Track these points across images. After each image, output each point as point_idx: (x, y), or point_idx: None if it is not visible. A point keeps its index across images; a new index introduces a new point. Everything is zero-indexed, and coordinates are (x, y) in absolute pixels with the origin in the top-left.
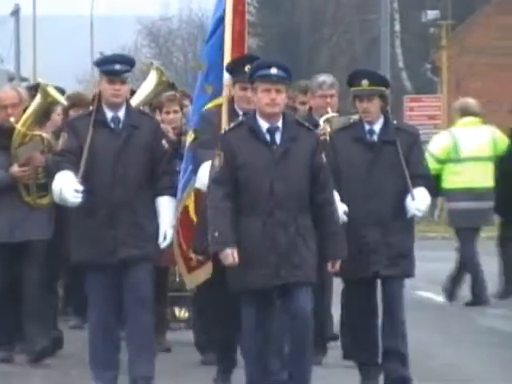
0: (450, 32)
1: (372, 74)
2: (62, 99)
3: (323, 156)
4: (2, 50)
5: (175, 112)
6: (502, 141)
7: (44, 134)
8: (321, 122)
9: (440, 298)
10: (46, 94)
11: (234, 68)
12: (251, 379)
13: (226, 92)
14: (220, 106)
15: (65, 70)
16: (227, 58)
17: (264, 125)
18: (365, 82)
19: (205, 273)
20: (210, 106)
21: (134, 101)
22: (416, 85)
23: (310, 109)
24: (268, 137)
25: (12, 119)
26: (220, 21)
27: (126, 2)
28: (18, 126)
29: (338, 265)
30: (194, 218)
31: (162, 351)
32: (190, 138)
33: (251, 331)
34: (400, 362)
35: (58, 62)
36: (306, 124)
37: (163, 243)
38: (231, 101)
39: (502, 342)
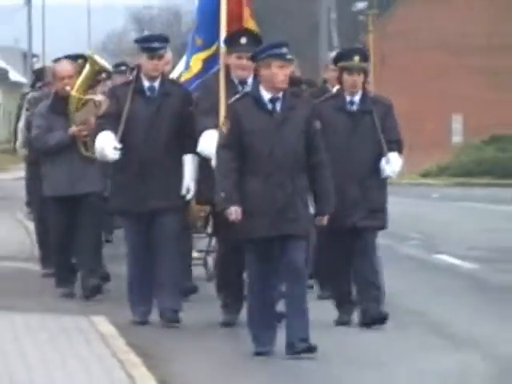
0: (375, 20)
1: (362, 51)
2: (109, 67)
3: (318, 123)
4: (17, 32)
5: None
6: None
7: (96, 98)
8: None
9: None
10: (94, 63)
11: (232, 40)
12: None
13: (222, 60)
14: (206, 58)
15: (67, 50)
16: (223, 25)
17: (266, 95)
18: (356, 58)
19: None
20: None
21: (175, 74)
22: None
23: (325, 81)
24: (270, 106)
25: (68, 88)
26: None
27: None
28: (73, 93)
29: (325, 219)
30: None
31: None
32: (183, 77)
33: (253, 278)
34: (376, 300)
35: (62, 42)
36: (302, 96)
37: (187, 195)
38: (227, 69)
39: (420, 267)
